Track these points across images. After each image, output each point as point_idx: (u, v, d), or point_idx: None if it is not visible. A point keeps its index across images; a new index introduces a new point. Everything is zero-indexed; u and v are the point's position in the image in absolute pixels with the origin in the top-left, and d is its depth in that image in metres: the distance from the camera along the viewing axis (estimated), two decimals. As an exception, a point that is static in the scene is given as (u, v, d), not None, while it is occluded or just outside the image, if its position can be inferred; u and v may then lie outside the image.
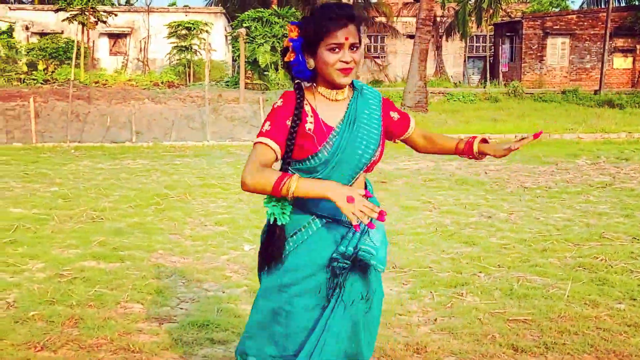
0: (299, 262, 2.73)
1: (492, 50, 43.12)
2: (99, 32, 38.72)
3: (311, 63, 2.71)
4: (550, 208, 9.31)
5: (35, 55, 35.06)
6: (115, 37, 41.43)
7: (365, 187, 2.87)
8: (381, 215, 2.39)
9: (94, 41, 37.70)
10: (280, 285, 2.74)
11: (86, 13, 27.74)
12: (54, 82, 20.01)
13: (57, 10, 29.25)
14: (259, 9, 26.30)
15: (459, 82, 42.03)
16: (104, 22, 29.37)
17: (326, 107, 2.75)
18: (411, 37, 35.96)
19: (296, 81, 2.79)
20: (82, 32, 28.62)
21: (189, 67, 32.92)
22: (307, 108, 2.72)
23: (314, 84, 2.78)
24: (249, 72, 24.81)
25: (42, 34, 39.41)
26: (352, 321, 2.77)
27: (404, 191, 10.68)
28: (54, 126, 17.27)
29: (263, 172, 2.52)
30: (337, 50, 2.64)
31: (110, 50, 41.42)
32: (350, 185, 2.72)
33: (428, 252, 7.00)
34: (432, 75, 42.98)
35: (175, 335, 4.72)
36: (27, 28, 40.34)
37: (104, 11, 29.81)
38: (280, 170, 2.65)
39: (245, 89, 21.55)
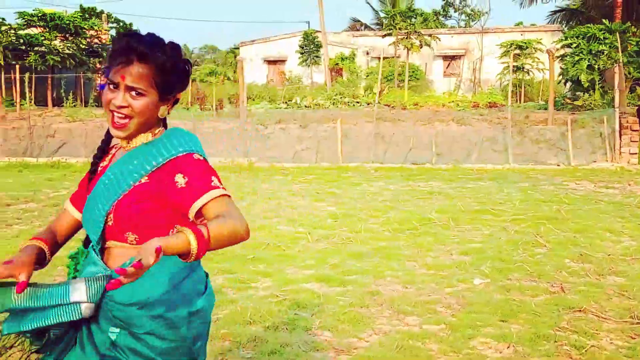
0: None
1: None
2: (434, 54, 39.78)
3: None
4: None
5: (373, 79, 37.10)
6: (449, 59, 42.16)
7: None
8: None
9: (426, 64, 38.78)
10: None
11: (411, 37, 28.60)
12: (374, 105, 20.84)
13: (384, 36, 30.64)
14: (588, 25, 24.81)
15: None
16: (428, 45, 30.03)
17: (120, 154, 2.40)
18: None
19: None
20: (407, 55, 29.56)
21: (520, 87, 32.22)
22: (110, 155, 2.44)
23: None
24: (571, 91, 23.53)
25: (380, 59, 41.60)
26: None
27: None
28: (361, 147, 18.00)
29: None
30: (114, 88, 2.23)
31: (444, 71, 42.23)
32: (103, 255, 2.32)
33: (684, 302, 5.94)
34: None
35: (338, 370, 4.57)
36: (367, 53, 42.87)
37: (429, 35, 30.48)
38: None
39: (560, 110, 20.49)
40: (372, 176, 15.04)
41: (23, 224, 9.71)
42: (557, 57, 22.41)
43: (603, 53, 20.40)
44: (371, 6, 50.75)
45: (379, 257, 7.72)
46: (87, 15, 35.39)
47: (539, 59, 32.23)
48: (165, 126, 2.40)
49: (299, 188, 13.22)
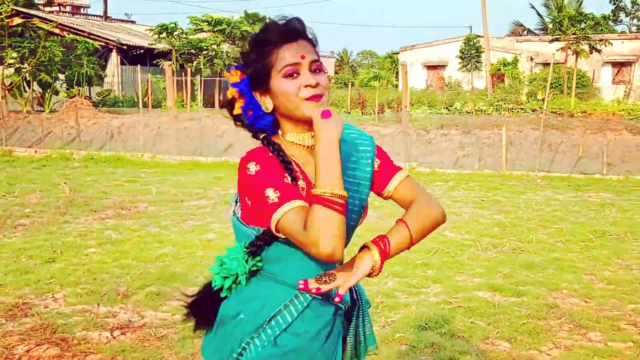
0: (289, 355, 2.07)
1: None
2: (602, 60, 38.09)
3: (267, 102, 2.06)
4: None
5: (536, 85, 35.97)
6: (619, 65, 40.23)
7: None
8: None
9: (594, 70, 37.15)
10: None
11: (581, 42, 27.50)
12: (541, 112, 20.18)
13: (551, 41, 29.65)
14: None
15: None
16: (598, 51, 28.73)
17: (305, 158, 2.09)
18: None
19: (262, 135, 2.11)
20: (576, 61, 28.42)
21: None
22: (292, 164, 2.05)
23: (279, 132, 2.13)
24: None
25: (545, 64, 40.28)
26: None
27: None
28: (525, 155, 17.46)
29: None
30: (295, 75, 2.00)
31: (613, 79, 40.34)
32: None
33: None
34: None
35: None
36: (531, 59, 41.66)
37: (599, 40, 29.15)
38: (255, 247, 2.06)
39: None
40: (538, 185, 14.56)
41: (197, 219, 10.14)
42: None
43: None
44: (536, 11, 49.47)
45: (552, 268, 7.44)
46: (251, 21, 36.65)
47: None
48: None
49: (461, 195, 13.01)
